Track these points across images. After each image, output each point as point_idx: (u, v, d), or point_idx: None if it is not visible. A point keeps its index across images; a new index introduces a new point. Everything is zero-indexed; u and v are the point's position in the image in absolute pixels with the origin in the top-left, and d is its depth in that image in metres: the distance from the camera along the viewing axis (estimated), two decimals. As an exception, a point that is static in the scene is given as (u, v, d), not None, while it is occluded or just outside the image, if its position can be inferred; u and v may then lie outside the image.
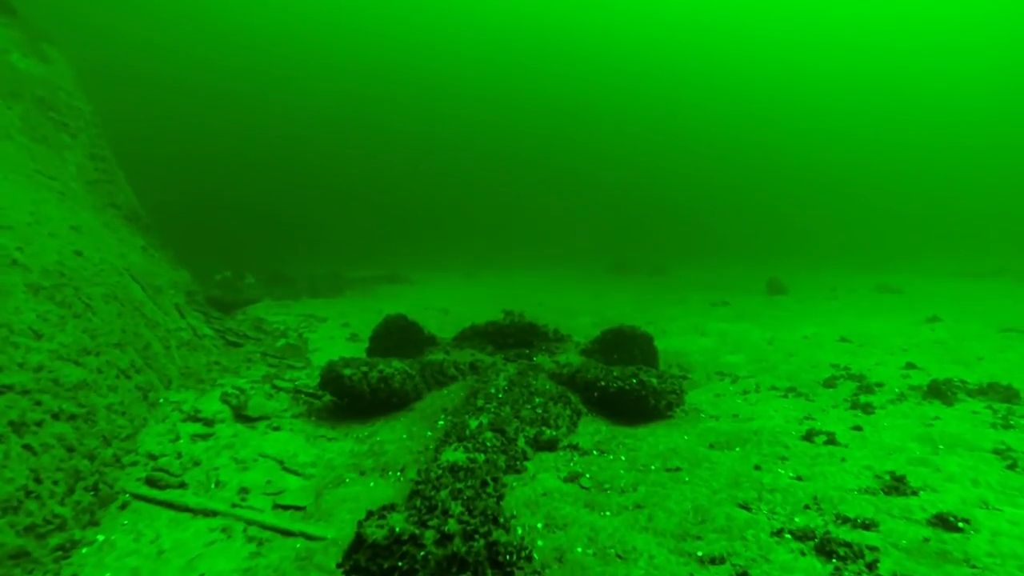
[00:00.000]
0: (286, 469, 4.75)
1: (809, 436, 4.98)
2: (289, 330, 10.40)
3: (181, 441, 4.99)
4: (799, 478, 4.10)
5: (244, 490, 4.34)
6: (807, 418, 5.66)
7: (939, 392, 6.05)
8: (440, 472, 3.50)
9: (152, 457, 4.61)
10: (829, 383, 6.82)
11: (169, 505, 4.01)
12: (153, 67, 58.19)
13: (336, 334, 10.57)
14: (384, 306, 14.75)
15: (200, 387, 6.31)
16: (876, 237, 37.82)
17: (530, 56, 76.66)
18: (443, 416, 5.98)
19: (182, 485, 4.32)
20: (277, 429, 5.54)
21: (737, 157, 71.72)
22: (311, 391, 6.65)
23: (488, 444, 4.09)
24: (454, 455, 3.81)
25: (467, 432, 4.31)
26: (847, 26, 72.02)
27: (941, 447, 4.64)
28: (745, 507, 3.71)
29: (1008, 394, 5.91)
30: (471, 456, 3.78)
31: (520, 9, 73.50)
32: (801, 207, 53.86)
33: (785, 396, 6.54)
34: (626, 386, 5.60)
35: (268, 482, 4.51)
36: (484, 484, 3.41)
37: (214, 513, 3.94)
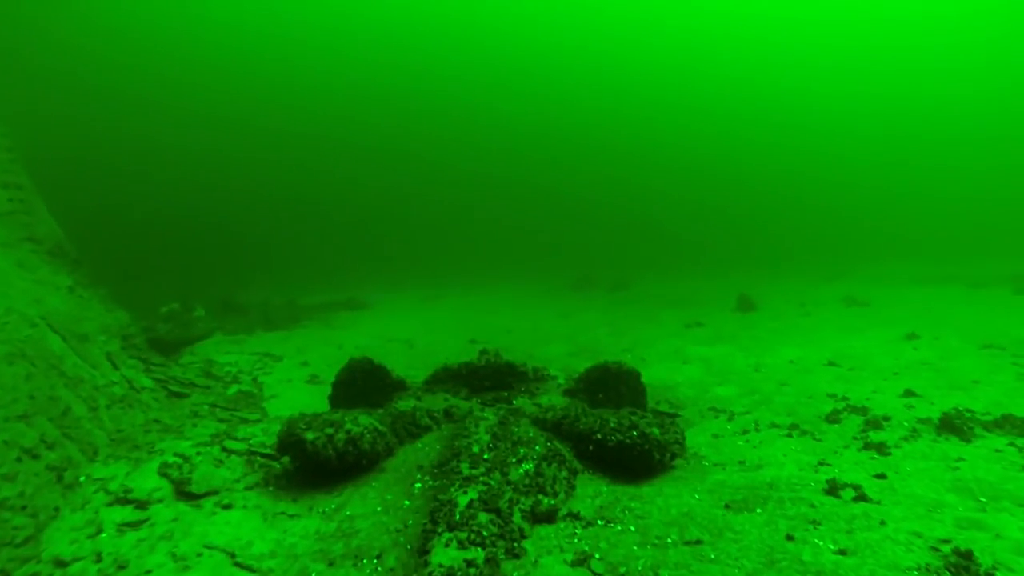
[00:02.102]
0: (238, 565, 3.96)
1: (833, 490, 4.48)
2: (242, 373, 9.47)
3: (103, 535, 4.14)
4: (843, 552, 3.56)
5: (183, 601, 3.55)
6: (822, 464, 5.18)
7: (953, 427, 5.67)
8: (432, 586, 2.81)
9: (60, 564, 3.76)
10: (832, 418, 6.39)
11: (84, 634, 3.19)
12: (84, 74, 55.07)
13: (294, 375, 9.69)
14: (344, 338, 13.88)
15: (134, 456, 5.42)
16: (833, 244, 38.69)
17: (484, 70, 76.68)
18: (419, 476, 5.28)
19: (103, 602, 3.50)
20: (228, 507, 4.73)
21: (693, 168, 73.06)
22: (268, 451, 5.84)
23: (484, 533, 3.41)
24: (447, 556, 3.12)
25: (456, 515, 3.62)
26: (805, 40, 74.74)
27: (983, 500, 4.20)
28: (793, 599, 3.14)
29: (1024, 427, 5.57)
30: (467, 556, 3.11)
31: (475, 22, 73.50)
32: (758, 216, 54.97)
33: (789, 435, 6.07)
34: (627, 440, 5.01)
35: (214, 586, 3.72)
36: (487, 599, 2.74)
37: (143, 641, 3.14)
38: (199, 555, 4.02)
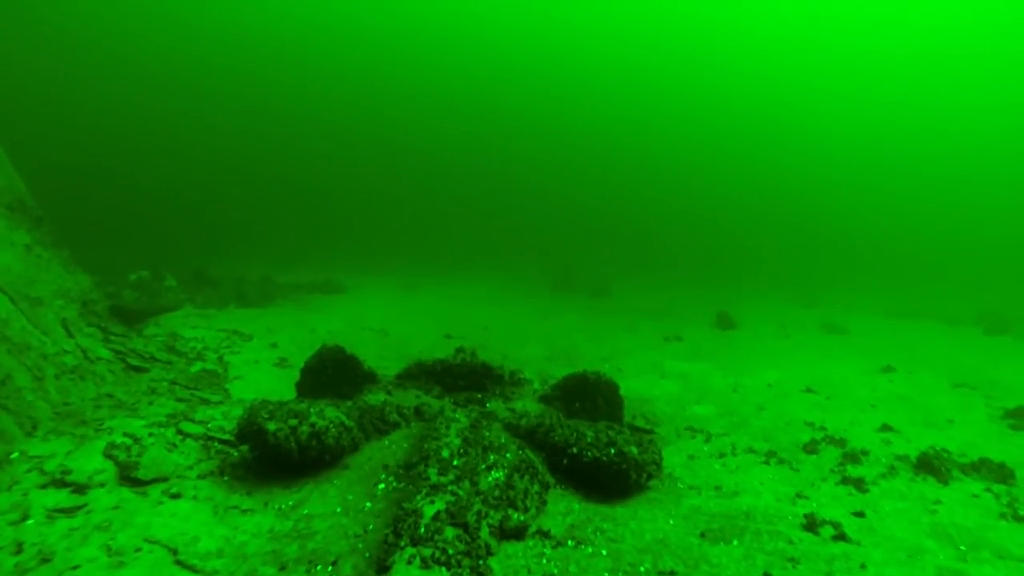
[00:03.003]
0: (180, 563, 3.66)
1: (811, 526, 4.34)
2: (207, 350, 9.07)
3: (29, 522, 3.79)
4: (822, 597, 3.40)
5: (114, 601, 3.25)
6: (799, 496, 5.05)
7: (931, 467, 5.59)
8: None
9: (-20, 552, 3.43)
10: (810, 448, 6.28)
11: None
12: (59, 30, 53.02)
13: (262, 357, 9.32)
14: (317, 321, 13.50)
15: (80, 432, 5.07)
16: (811, 269, 39.12)
17: (473, 62, 76.18)
18: (384, 476, 5.03)
19: (20, 598, 3.18)
20: (176, 496, 4.42)
21: (680, 178, 73.57)
22: (226, 437, 5.53)
23: (450, 551, 3.18)
24: (409, 575, 2.88)
25: (421, 529, 3.38)
26: (798, 59, 75.57)
27: (963, 548, 4.09)
28: (771, 647, 2.96)
29: (1002, 473, 5.51)
30: (430, 579, 2.87)
31: (467, 14, 72.87)
32: (739, 233, 55.45)
33: (767, 462, 5.94)
34: (603, 457, 4.82)
35: (151, 586, 3.42)
36: (449, 631, 2.51)
37: (64, 646, 2.85)
38: (137, 550, 3.71)
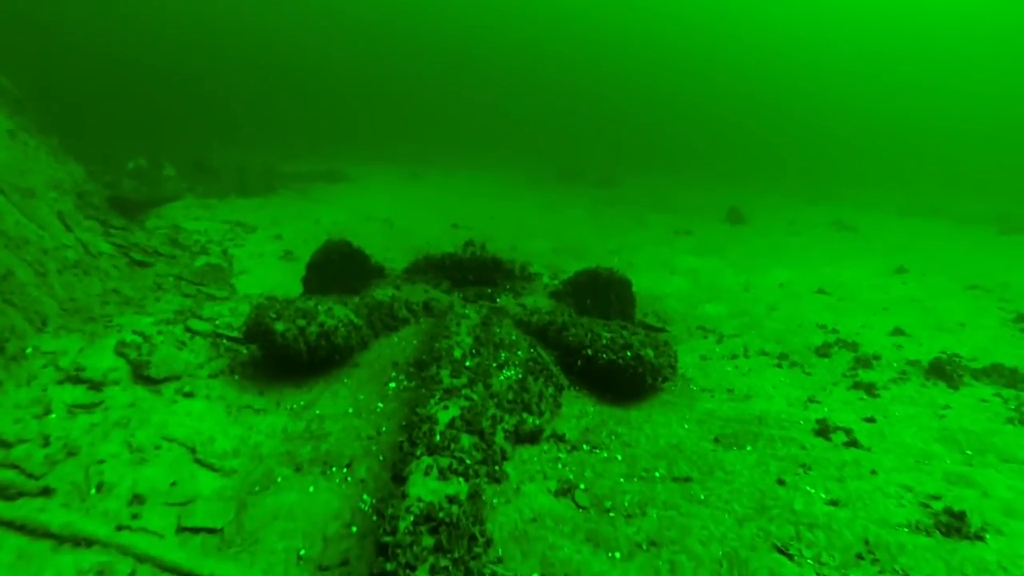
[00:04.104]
0: (199, 461, 3.71)
1: (823, 431, 4.37)
2: (211, 243, 8.90)
3: (52, 416, 3.81)
4: (834, 503, 3.45)
5: (138, 498, 3.30)
6: (811, 401, 5.07)
7: (942, 372, 5.58)
8: (413, 519, 2.57)
9: (3, 444, 3.44)
10: (822, 351, 6.27)
11: (20, 527, 2.94)
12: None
13: (267, 250, 9.18)
14: (322, 212, 13.23)
15: (89, 329, 5.01)
16: (821, 164, 37.92)
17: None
18: (394, 374, 5.04)
19: (45, 492, 3.22)
20: (190, 396, 4.42)
21: (688, 71, 69.69)
22: (234, 335, 5.49)
23: (468, 461, 3.17)
24: (427, 488, 2.87)
25: (436, 437, 3.36)
26: None
27: (970, 452, 4.13)
28: (784, 552, 3.03)
29: (1013, 378, 5.51)
30: (449, 491, 2.86)
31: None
32: (749, 129, 53.24)
33: (779, 365, 5.95)
34: (619, 360, 4.77)
35: (173, 484, 3.47)
36: (472, 540, 2.52)
37: (89, 542, 2.91)
38: (157, 448, 3.75)
